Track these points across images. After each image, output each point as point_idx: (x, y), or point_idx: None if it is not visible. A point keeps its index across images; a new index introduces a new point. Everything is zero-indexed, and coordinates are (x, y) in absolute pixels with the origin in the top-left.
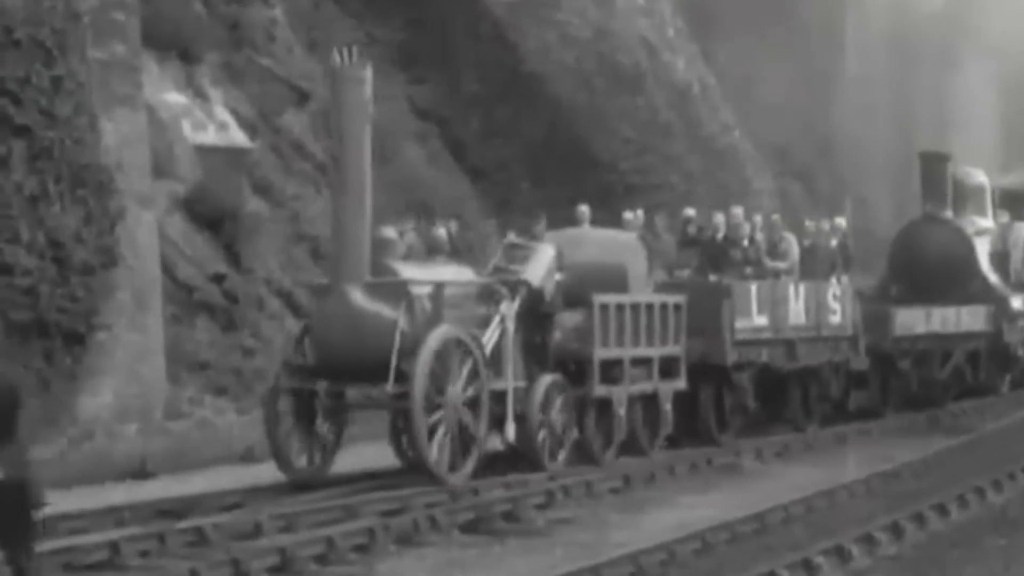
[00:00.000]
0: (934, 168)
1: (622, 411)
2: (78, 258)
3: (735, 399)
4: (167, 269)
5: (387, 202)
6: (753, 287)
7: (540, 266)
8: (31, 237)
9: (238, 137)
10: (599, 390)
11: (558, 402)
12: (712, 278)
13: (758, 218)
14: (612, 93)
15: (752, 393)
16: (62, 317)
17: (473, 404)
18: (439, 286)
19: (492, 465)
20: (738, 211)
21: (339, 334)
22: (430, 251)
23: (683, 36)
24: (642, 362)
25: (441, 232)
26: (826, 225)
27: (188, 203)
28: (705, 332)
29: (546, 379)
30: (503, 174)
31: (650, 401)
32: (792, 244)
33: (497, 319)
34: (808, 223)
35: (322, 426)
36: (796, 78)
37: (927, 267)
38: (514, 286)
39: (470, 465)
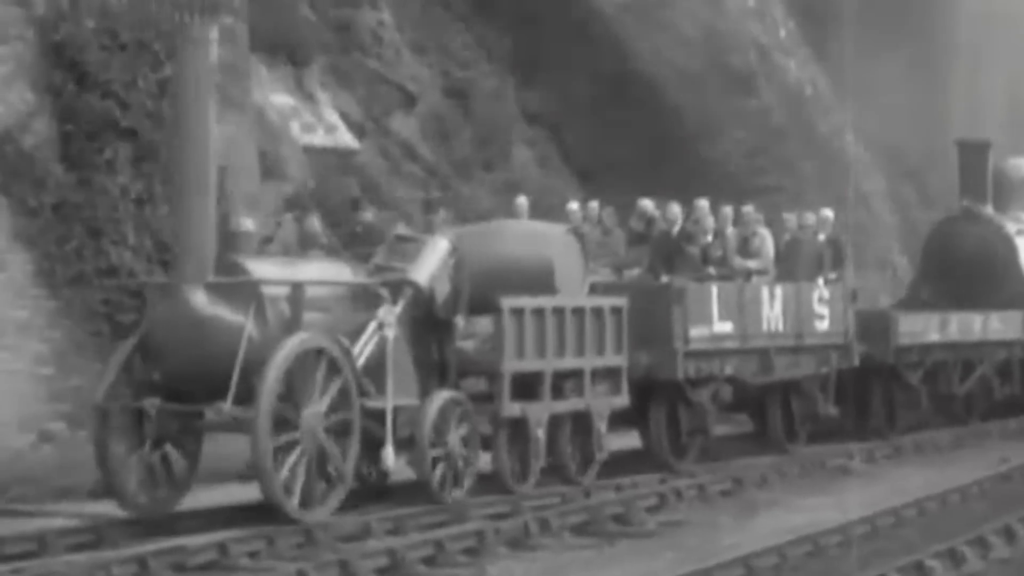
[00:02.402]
0: (973, 158)
1: (540, 433)
2: None
3: (692, 419)
4: None
5: (496, 205)
6: (714, 289)
7: (429, 263)
8: (137, 240)
9: (346, 139)
10: (511, 409)
11: (458, 424)
12: (665, 279)
13: (728, 210)
14: (723, 95)
15: (715, 412)
16: None
17: (341, 428)
18: (298, 286)
19: (609, 467)
20: (703, 203)
21: (178, 343)
22: (302, 245)
23: (795, 37)
24: (570, 376)
25: (315, 223)
26: (811, 218)
27: (295, 204)
28: (653, 341)
29: (442, 397)
30: (613, 176)
31: (582, 421)
32: (766, 240)
33: (373, 326)
34: (788, 215)
35: (168, 451)
36: (910, 78)
37: (962, 268)
38: (397, 287)
39: (334, 500)
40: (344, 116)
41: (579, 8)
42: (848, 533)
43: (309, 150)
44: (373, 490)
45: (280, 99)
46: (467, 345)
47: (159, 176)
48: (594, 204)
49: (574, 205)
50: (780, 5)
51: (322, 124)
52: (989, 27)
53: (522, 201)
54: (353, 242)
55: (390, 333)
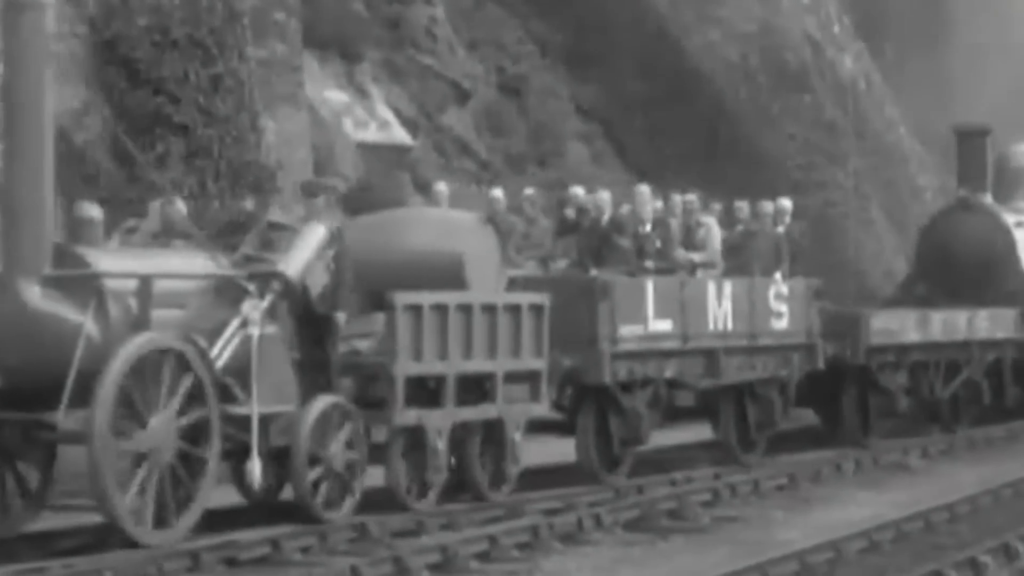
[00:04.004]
0: (971, 145)
1: (441, 444)
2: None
3: (625, 427)
4: None
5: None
6: (649, 284)
7: (302, 253)
8: None
9: (399, 135)
10: (405, 416)
11: (342, 433)
12: (593, 272)
13: (677, 199)
14: (777, 90)
15: (649, 418)
16: None
17: (196, 438)
18: (146, 280)
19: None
20: (644, 189)
21: (11, 343)
22: (164, 234)
23: (849, 33)
24: (480, 380)
25: (180, 209)
26: (769, 207)
27: (349, 200)
28: (577, 342)
29: (322, 402)
30: (667, 172)
31: (494, 430)
32: (712, 230)
33: (235, 323)
34: (740, 204)
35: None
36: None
37: (958, 262)
38: (264, 280)
39: (189, 519)
40: (397, 112)
41: (633, 3)
42: (902, 528)
43: (362, 146)
44: (267, 506)
45: (333, 95)
46: (362, 345)
47: (211, 172)
48: (530, 191)
49: (498, 192)
50: (834, 1)
51: (375, 120)
52: None
53: (442, 188)
54: (233, 231)
55: (255, 331)
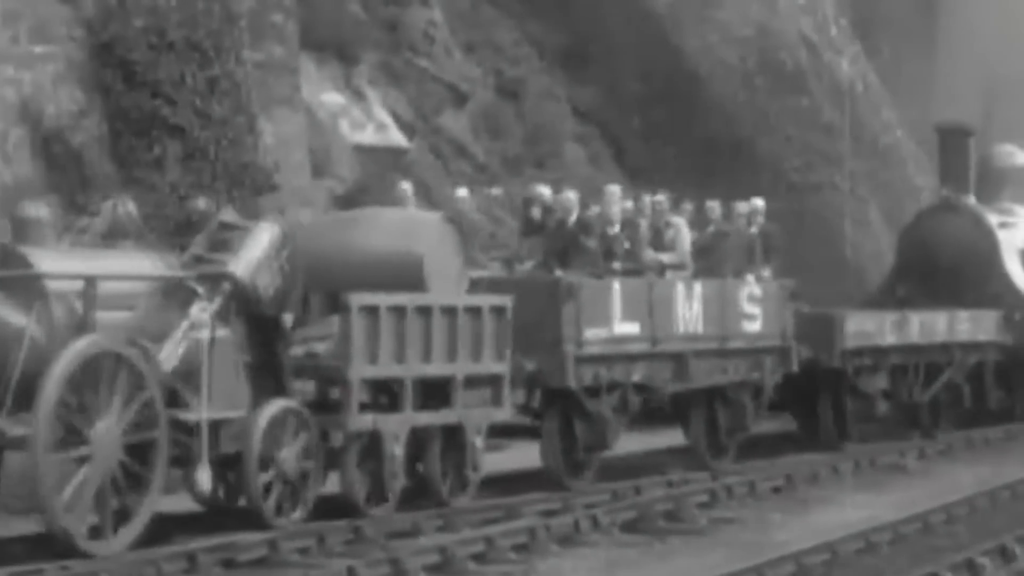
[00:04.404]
0: (953, 144)
1: (398, 449)
2: None
3: (590, 432)
4: None
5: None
6: (615, 285)
7: (252, 253)
8: None
9: (396, 137)
10: (360, 421)
11: (296, 441)
12: (559, 274)
13: (647, 199)
14: (774, 92)
15: (616, 423)
16: None
17: (143, 445)
18: (91, 281)
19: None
20: (613, 189)
21: None
22: (112, 234)
23: (846, 35)
24: (439, 384)
25: (129, 210)
26: (743, 207)
27: (346, 202)
28: (541, 345)
29: (274, 407)
30: (664, 174)
31: (454, 435)
32: (682, 231)
33: (184, 326)
34: (711, 204)
35: None
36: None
37: (940, 263)
38: (214, 281)
39: (134, 528)
40: (394, 114)
41: (630, 5)
42: (899, 530)
43: (359, 148)
44: (226, 511)
45: (330, 97)
46: (320, 348)
47: (208, 174)
48: (496, 191)
49: (463, 191)
50: (831, 2)
51: (372, 122)
52: None
53: (405, 187)
54: (186, 231)
55: (204, 334)
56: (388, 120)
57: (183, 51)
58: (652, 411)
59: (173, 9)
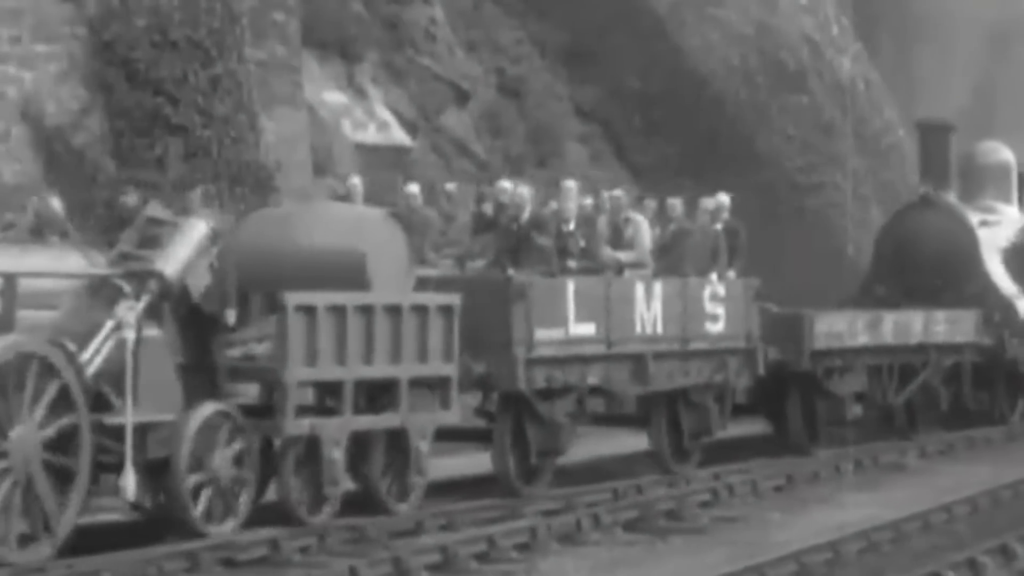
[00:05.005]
0: (934, 140)
1: (337, 454)
2: None
3: (543, 437)
4: None
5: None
6: (569, 285)
7: (180, 250)
8: None
9: (398, 136)
10: (297, 425)
11: (227, 443)
12: (510, 272)
13: (606, 195)
14: (775, 91)
15: (571, 427)
16: None
17: (65, 449)
18: (10, 279)
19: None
20: (570, 184)
21: None
22: (38, 231)
23: (847, 33)
24: (382, 386)
25: (54, 206)
26: (708, 203)
27: (347, 201)
28: (490, 346)
29: (205, 410)
30: (666, 172)
31: (398, 440)
32: (641, 228)
33: (108, 326)
34: (672, 201)
35: None
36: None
37: (919, 262)
38: (140, 279)
39: (58, 535)
40: (396, 113)
41: (632, 4)
42: (901, 529)
43: (361, 147)
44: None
45: (332, 96)
46: (259, 349)
47: (210, 172)
48: (451, 186)
49: (414, 187)
50: (832, 1)
51: (374, 121)
52: None
53: (356, 183)
54: (115, 228)
55: (130, 334)
56: (390, 119)
57: (185, 50)
58: (618, 415)
59: (175, 8)
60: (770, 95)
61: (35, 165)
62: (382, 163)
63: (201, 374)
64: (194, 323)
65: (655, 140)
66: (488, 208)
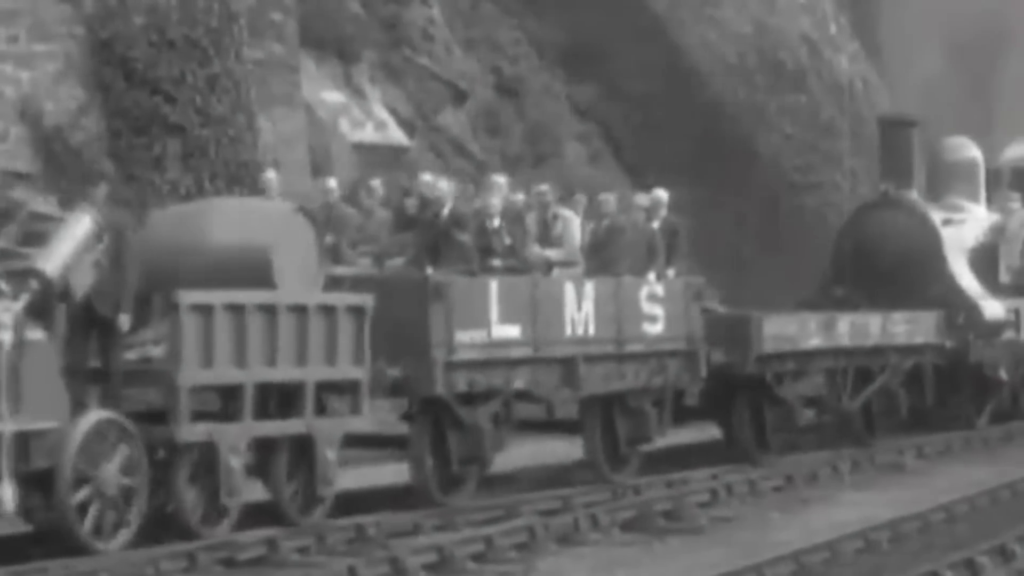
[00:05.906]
0: (895, 136)
1: (235, 462)
2: None
3: (465, 444)
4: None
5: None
6: (492, 284)
7: (63, 248)
8: None
9: (396, 135)
10: (191, 431)
11: (116, 456)
12: (429, 271)
13: (544, 187)
14: (773, 90)
15: (495, 434)
16: None
17: None
18: None
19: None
20: (497, 180)
21: None
22: None
23: (845, 33)
24: (287, 391)
25: None
26: (643, 199)
27: (346, 201)
28: (406, 349)
29: (92, 417)
30: (664, 172)
31: (304, 447)
32: (571, 225)
33: None
34: (605, 196)
35: None
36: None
37: (880, 262)
38: (19, 278)
39: None
40: (394, 112)
41: (630, 4)
42: (898, 529)
43: (359, 147)
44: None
45: (330, 95)
46: (156, 352)
47: (208, 171)
48: (376, 183)
49: (332, 182)
50: (830, 1)
51: (372, 120)
52: None
53: (271, 176)
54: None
55: (6, 336)
56: (388, 118)
57: (183, 49)
58: (549, 421)
59: (173, 7)
60: (768, 94)
61: (33, 164)
62: (380, 162)
63: (93, 379)
64: (88, 325)
65: (653, 139)
66: (411, 204)
